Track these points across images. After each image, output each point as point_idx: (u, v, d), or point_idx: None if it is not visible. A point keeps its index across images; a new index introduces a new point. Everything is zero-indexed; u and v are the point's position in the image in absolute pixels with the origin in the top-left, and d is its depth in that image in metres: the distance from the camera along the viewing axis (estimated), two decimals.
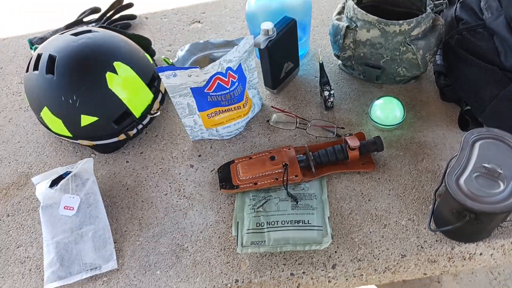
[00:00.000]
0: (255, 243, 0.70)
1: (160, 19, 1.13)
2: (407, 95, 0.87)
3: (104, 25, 1.08)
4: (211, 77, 0.73)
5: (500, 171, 0.59)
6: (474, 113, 0.78)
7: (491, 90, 0.73)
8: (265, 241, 0.70)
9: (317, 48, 0.99)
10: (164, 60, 0.84)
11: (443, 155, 0.77)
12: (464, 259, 0.67)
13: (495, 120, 0.74)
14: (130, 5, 1.13)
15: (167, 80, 0.73)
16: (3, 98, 1.01)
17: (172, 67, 0.71)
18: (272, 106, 0.89)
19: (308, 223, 0.71)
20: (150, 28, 1.11)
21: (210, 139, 0.86)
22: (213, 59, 0.80)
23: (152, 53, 1.01)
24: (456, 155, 0.63)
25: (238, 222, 0.73)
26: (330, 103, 0.86)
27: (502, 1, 0.71)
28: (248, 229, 0.71)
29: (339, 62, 0.94)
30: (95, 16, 1.12)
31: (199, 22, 1.12)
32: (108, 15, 1.11)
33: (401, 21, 0.76)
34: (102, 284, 0.70)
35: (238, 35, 1.06)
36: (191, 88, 0.75)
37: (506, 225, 0.68)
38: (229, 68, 0.75)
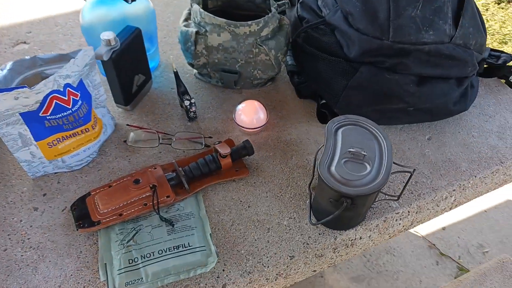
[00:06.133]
0: (130, 283, 0.59)
1: None
2: (266, 97, 0.87)
3: None
4: (45, 97, 0.61)
5: (364, 153, 0.61)
6: (330, 105, 0.81)
7: (340, 81, 0.76)
8: (142, 278, 0.59)
9: (168, 58, 0.93)
10: None
11: (309, 149, 0.79)
12: (347, 246, 0.68)
13: (348, 108, 0.78)
14: None
15: None
16: None
17: None
18: (127, 124, 0.79)
19: (189, 245, 0.63)
20: None
21: (55, 172, 0.72)
22: (46, 77, 0.67)
23: None
24: (322, 145, 0.64)
25: (105, 263, 0.61)
26: (192, 113, 0.80)
27: None
28: (119, 269, 0.60)
29: (195, 71, 0.89)
30: None
31: (24, 42, 0.95)
32: None
33: (250, 22, 0.75)
34: None
35: None
36: (20, 114, 0.61)
37: (376, 205, 0.71)
38: (67, 85, 0.63)
